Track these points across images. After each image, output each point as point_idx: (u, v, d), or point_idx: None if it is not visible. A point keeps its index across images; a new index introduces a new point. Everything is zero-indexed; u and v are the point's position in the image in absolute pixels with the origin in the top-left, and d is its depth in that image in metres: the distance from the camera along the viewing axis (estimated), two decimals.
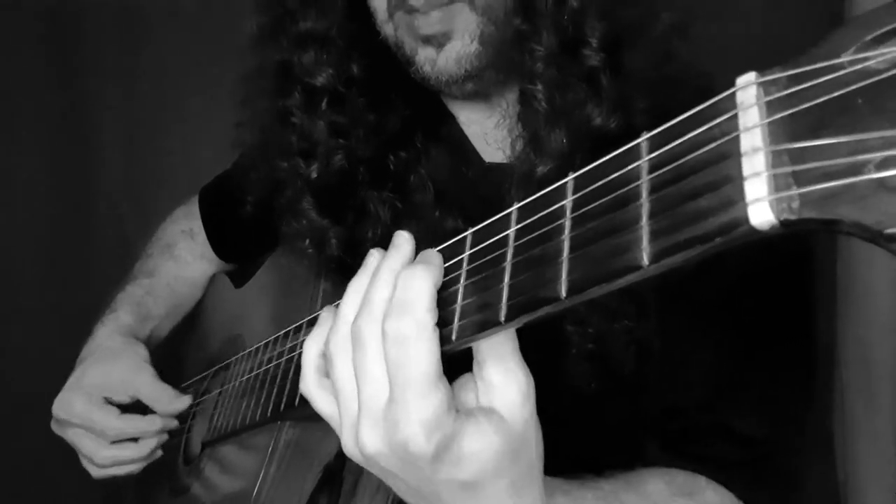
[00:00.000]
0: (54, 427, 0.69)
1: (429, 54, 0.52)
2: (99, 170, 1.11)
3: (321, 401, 0.39)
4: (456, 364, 0.35)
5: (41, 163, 1.08)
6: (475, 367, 0.35)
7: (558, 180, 0.47)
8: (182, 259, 0.83)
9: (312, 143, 0.57)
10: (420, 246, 0.54)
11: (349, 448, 0.37)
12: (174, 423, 0.69)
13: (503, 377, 0.34)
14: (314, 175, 0.57)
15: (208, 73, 1.07)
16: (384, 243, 0.54)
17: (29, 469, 0.87)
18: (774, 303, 0.51)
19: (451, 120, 0.60)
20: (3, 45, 1.05)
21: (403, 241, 0.38)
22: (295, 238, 0.59)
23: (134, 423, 0.66)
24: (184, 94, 1.09)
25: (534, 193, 0.49)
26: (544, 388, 0.50)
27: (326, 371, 0.39)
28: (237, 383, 0.62)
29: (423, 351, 0.32)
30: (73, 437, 0.67)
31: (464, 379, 0.36)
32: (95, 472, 0.68)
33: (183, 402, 0.68)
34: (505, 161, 0.57)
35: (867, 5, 0.76)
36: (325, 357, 0.38)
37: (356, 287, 0.38)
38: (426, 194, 0.56)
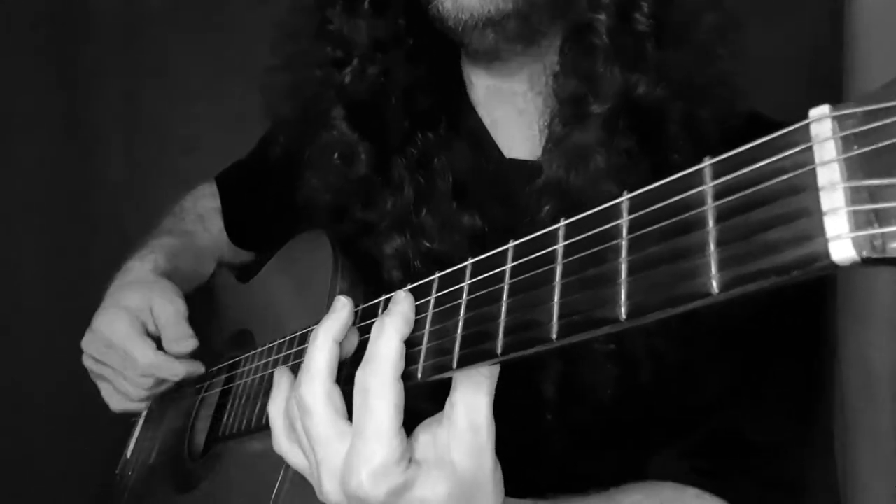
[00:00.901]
0: (88, 348, 0.67)
1: None
2: (99, 169, 1.11)
3: (293, 456, 0.43)
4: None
5: (41, 162, 1.07)
6: (447, 402, 0.38)
7: (604, 144, 0.46)
8: (213, 235, 0.82)
9: (348, 49, 0.55)
10: (440, 236, 0.54)
11: (318, 494, 0.40)
12: (200, 370, 0.68)
13: (468, 422, 0.37)
14: (347, 80, 0.55)
15: (209, 71, 1.07)
16: (400, 220, 0.55)
17: (29, 468, 0.87)
18: (789, 314, 0.52)
19: (472, 112, 0.60)
20: (4, 44, 1.04)
21: (341, 305, 0.41)
22: (323, 152, 0.57)
23: (169, 363, 0.65)
24: (185, 92, 1.09)
25: (577, 151, 0.48)
26: (561, 393, 0.50)
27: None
28: (251, 380, 0.62)
29: (381, 405, 0.36)
30: (108, 374, 0.66)
31: (429, 421, 0.39)
32: (116, 406, 0.69)
33: (190, 344, 0.66)
34: (526, 157, 0.57)
35: (867, 6, 0.76)
36: (286, 420, 0.41)
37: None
38: (445, 182, 0.55)
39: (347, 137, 0.55)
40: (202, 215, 0.83)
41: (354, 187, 0.56)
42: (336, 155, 0.56)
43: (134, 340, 0.64)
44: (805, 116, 0.58)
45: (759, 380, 0.54)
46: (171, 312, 0.66)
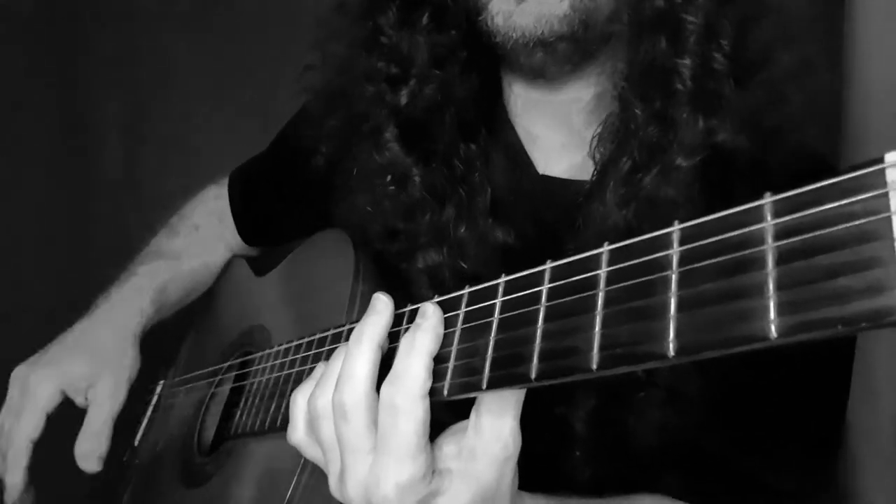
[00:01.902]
0: (16, 375, 0.68)
1: (505, 3, 0.47)
2: (99, 169, 1.09)
3: (310, 449, 0.42)
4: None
5: (41, 162, 1.05)
6: (473, 413, 0.38)
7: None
8: (209, 245, 0.81)
9: (406, 66, 0.52)
10: (475, 253, 0.52)
11: (334, 492, 0.41)
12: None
13: (495, 434, 0.37)
14: (403, 101, 0.52)
15: (209, 71, 1.06)
16: (439, 236, 0.53)
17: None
18: (821, 361, 0.51)
19: (508, 125, 0.58)
20: (4, 44, 1.01)
21: (383, 306, 0.40)
22: (374, 175, 0.55)
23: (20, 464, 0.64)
24: (185, 92, 1.07)
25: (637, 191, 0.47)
26: (593, 432, 0.50)
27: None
28: (266, 380, 0.61)
29: (409, 424, 0.36)
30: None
31: (453, 430, 0.40)
32: None
33: (91, 466, 0.66)
34: (562, 175, 0.56)
35: (867, 7, 0.75)
36: (311, 414, 0.41)
37: (342, 352, 0.40)
38: (484, 198, 0.54)
39: (401, 160, 0.53)
40: (197, 225, 0.81)
41: (404, 209, 0.54)
42: (389, 178, 0.53)
43: (35, 413, 0.64)
44: (808, 124, 0.56)
45: (784, 428, 0.53)
46: (101, 414, 0.66)
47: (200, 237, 0.81)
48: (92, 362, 0.68)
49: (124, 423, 0.85)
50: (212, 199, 0.83)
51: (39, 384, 0.66)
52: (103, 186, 1.10)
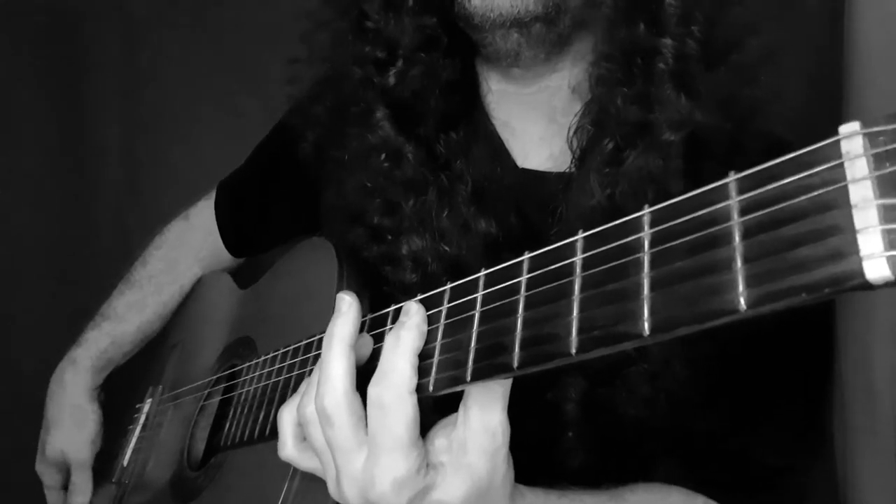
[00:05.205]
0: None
1: None
2: (99, 169, 1.10)
3: (303, 461, 0.44)
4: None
5: (41, 163, 1.06)
6: (461, 406, 0.39)
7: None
8: (160, 299, 0.87)
9: (392, 49, 0.53)
10: (457, 240, 0.53)
11: (333, 495, 0.41)
12: None
13: (483, 426, 0.38)
14: (391, 81, 0.53)
15: (209, 71, 1.07)
16: (421, 221, 0.54)
17: (28, 469, 0.86)
18: (802, 334, 0.52)
19: (486, 119, 0.59)
20: (3, 45, 1.03)
21: (347, 306, 0.41)
22: (368, 154, 0.55)
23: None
24: (184, 92, 1.08)
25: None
26: (585, 412, 0.50)
27: (304, 434, 0.43)
28: (254, 389, 0.61)
29: (399, 420, 0.37)
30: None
31: (444, 423, 0.40)
32: None
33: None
34: (540, 168, 0.56)
35: (867, 4, 0.76)
36: (301, 423, 0.42)
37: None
38: (465, 186, 0.54)
39: (392, 139, 0.54)
40: (152, 276, 0.86)
41: (400, 188, 0.55)
42: (383, 157, 0.54)
43: (52, 495, 0.83)
44: (808, 117, 0.57)
45: (771, 403, 0.53)
46: (75, 469, 0.81)
47: (155, 288, 0.86)
48: (59, 433, 0.81)
49: (111, 449, 0.86)
50: (172, 238, 0.87)
51: (40, 473, 0.81)
52: (103, 187, 1.10)
